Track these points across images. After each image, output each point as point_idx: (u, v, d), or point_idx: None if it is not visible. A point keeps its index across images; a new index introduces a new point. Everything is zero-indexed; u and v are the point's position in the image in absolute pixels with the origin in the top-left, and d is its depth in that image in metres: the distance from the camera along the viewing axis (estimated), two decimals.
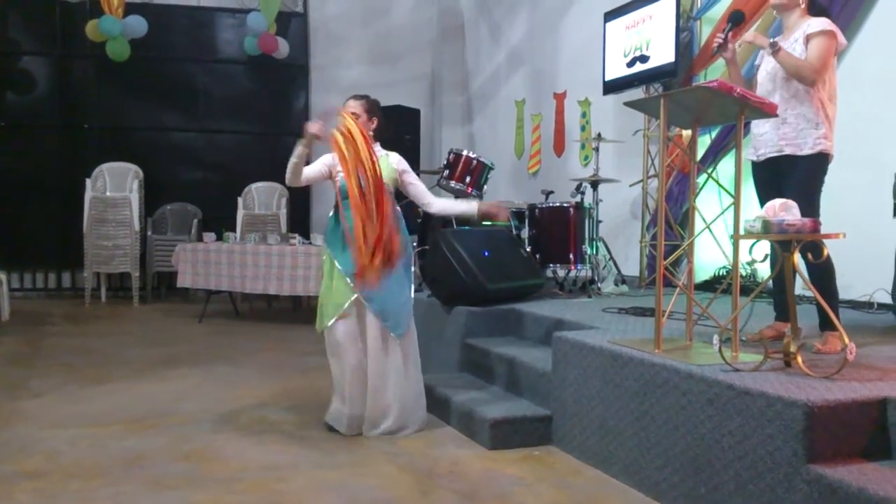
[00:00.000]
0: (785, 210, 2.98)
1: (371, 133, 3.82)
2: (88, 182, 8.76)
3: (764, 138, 3.62)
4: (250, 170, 9.47)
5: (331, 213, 3.93)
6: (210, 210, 9.44)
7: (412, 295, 3.91)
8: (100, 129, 9.45)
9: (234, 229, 8.71)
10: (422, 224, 6.02)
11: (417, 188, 3.99)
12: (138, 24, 8.84)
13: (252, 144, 9.92)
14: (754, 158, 3.69)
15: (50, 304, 8.68)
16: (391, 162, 3.90)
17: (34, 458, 3.44)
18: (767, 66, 3.65)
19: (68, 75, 9.49)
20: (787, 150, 3.53)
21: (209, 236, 7.79)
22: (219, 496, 3.02)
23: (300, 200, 9.62)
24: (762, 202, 3.55)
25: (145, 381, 4.98)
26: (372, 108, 3.89)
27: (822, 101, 3.48)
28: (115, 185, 8.89)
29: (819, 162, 3.50)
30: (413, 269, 3.92)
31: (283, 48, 9.53)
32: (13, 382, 4.87)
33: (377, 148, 3.86)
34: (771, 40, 3.52)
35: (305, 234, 8.02)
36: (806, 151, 3.48)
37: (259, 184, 9.38)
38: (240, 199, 9.32)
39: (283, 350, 6.08)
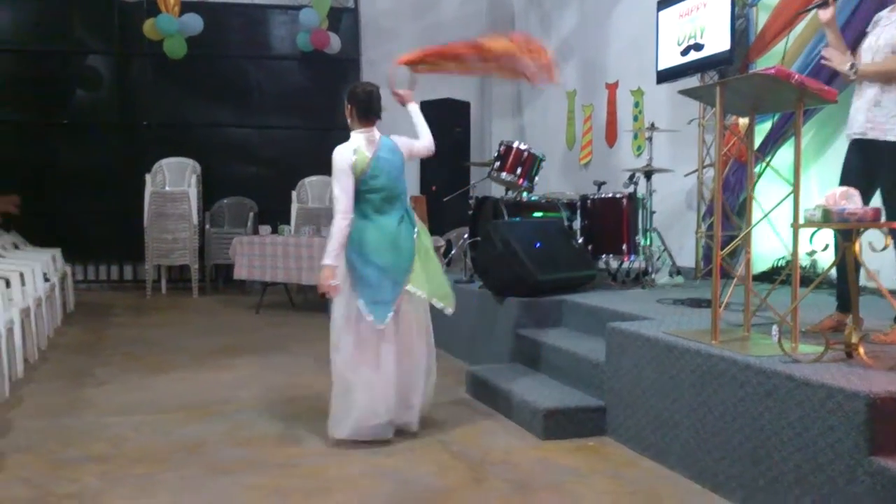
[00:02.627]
0: (846, 198, 2.91)
1: (349, 120, 3.74)
2: (148, 177, 8.98)
3: (856, 117, 3.44)
4: (303, 164, 9.59)
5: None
6: (265, 203, 9.60)
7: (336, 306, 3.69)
8: (158, 126, 9.67)
9: (288, 222, 8.84)
10: (473, 215, 6.03)
11: (418, 142, 3.86)
12: (194, 22, 9.02)
13: (305, 139, 10.04)
14: (852, 136, 3.50)
15: (113, 296, 8.94)
16: (398, 145, 3.76)
17: (100, 443, 3.57)
18: (871, 40, 3.43)
19: (127, 74, 9.73)
20: (871, 135, 3.37)
21: (265, 229, 7.93)
22: (277, 481, 3.09)
23: None
24: (843, 182, 3.39)
25: (205, 370, 5.11)
26: (347, 95, 3.76)
27: None
28: (174, 180, 9.11)
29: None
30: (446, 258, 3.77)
31: (334, 43, 9.62)
32: (78, 370, 5.04)
33: (374, 134, 3.70)
34: (850, 63, 3.32)
35: None
36: (890, 138, 3.30)
37: (312, 178, 9.49)
38: (293, 193, 9.44)
39: None
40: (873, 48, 3.42)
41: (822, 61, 3.52)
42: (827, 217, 2.87)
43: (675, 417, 3.18)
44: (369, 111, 3.73)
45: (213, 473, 3.18)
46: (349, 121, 3.77)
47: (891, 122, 3.31)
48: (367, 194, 3.64)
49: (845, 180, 3.40)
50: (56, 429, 3.76)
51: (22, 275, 5.34)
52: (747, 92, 3.28)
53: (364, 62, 10.11)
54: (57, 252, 7.47)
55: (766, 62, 5.67)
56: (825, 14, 3.44)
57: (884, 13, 3.47)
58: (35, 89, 9.37)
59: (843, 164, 3.55)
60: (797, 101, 3.14)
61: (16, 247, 7.40)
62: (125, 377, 4.88)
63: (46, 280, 6.18)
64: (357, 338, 3.59)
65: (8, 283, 4.99)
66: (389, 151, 3.72)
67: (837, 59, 3.41)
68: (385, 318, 3.56)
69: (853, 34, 4.23)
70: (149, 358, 5.47)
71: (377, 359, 3.58)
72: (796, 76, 3.03)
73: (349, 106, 3.76)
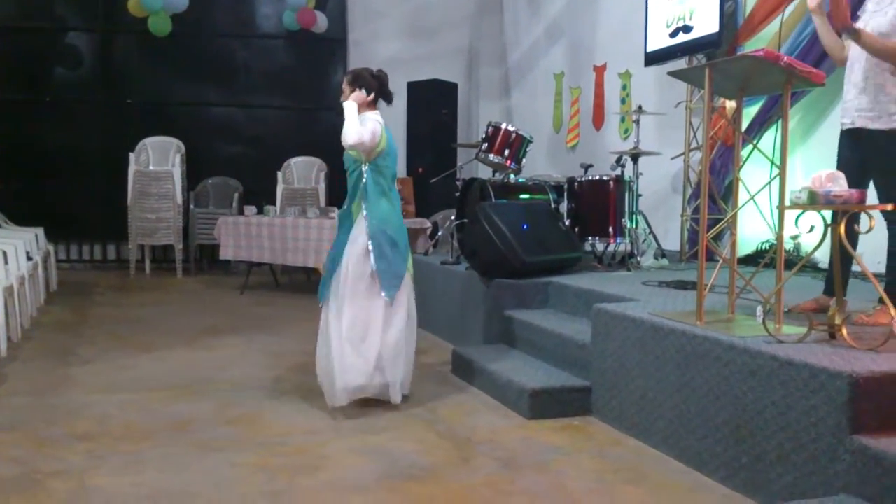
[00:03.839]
0: (832, 181, 2.93)
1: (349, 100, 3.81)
2: (132, 156, 8.90)
3: (846, 106, 3.44)
4: (289, 144, 9.55)
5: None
6: (250, 184, 9.54)
7: (336, 268, 3.79)
8: (142, 104, 9.58)
9: (273, 203, 8.80)
10: (460, 197, 6.02)
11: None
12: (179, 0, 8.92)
13: (291, 119, 9.99)
14: (843, 127, 3.48)
15: (96, 276, 8.87)
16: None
17: (85, 421, 3.55)
18: (858, 26, 3.34)
19: (111, 51, 9.62)
20: (859, 123, 3.36)
21: (250, 210, 7.88)
22: (263, 458, 3.10)
23: (339, 174, 9.67)
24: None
25: (190, 350, 5.10)
26: (354, 79, 3.86)
27: None
28: (158, 159, 9.03)
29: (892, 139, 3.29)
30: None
31: (321, 22, 9.54)
32: (63, 349, 5.01)
33: (371, 114, 3.80)
34: (852, 25, 3.25)
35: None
36: (878, 126, 3.29)
37: (298, 158, 9.44)
38: (279, 174, 9.39)
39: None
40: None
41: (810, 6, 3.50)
42: (813, 199, 2.89)
43: (660, 397, 3.21)
44: (385, 95, 3.92)
45: (200, 451, 3.18)
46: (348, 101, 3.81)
47: (877, 108, 3.31)
48: (384, 170, 3.81)
49: (842, 167, 3.39)
50: (41, 407, 3.74)
51: (5, 253, 5.29)
52: (736, 74, 3.29)
53: (351, 42, 10.04)
54: (40, 231, 7.40)
55: (755, 45, 5.69)
56: (812, 1, 3.45)
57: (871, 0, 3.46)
58: (18, 66, 9.25)
59: (838, 152, 3.54)
60: (785, 83, 3.15)
61: None
62: (110, 356, 4.86)
63: (29, 259, 6.13)
64: (365, 306, 3.72)
65: None
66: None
67: (829, 40, 3.48)
68: (394, 294, 3.74)
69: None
70: (133, 337, 5.45)
71: (378, 330, 3.72)
72: (785, 58, 3.04)
73: (359, 89, 3.83)
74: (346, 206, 3.88)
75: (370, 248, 3.74)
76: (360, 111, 3.83)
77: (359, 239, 3.76)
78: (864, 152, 3.38)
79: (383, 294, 3.72)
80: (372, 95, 3.85)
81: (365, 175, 3.78)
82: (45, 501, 2.67)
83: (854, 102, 3.40)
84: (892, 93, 3.29)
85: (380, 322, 3.73)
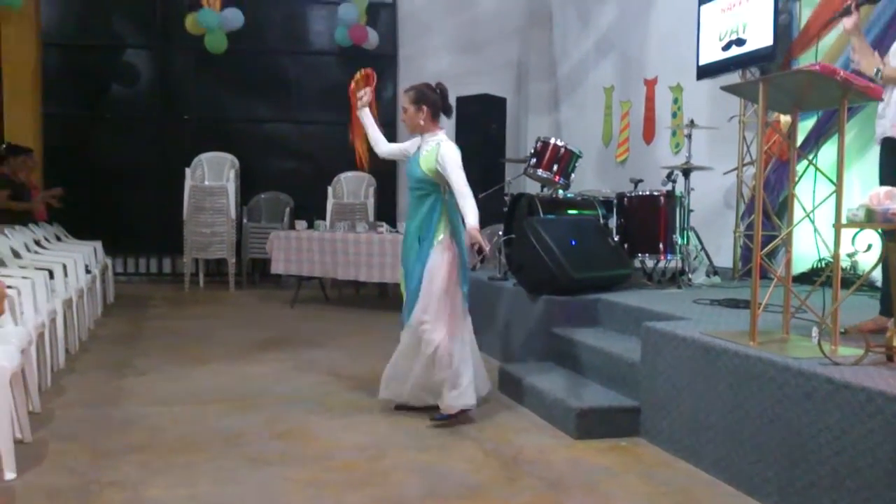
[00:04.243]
0: (890, 198, 2.85)
1: (421, 122, 3.89)
2: (188, 171, 9.11)
3: (882, 121, 3.54)
4: (339, 160, 9.61)
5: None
6: (301, 199, 9.68)
7: (438, 286, 3.81)
8: (198, 120, 9.80)
9: (324, 218, 8.91)
10: (508, 212, 6.02)
11: (453, 179, 3.77)
12: (235, 17, 9.10)
13: (341, 135, 9.98)
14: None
15: (151, 289, 9.09)
16: (439, 151, 3.81)
17: (140, 432, 3.64)
18: None
19: (168, 68, 9.87)
20: (891, 133, 3.45)
21: (301, 224, 8.00)
22: (313, 474, 3.13)
23: (387, 189, 9.77)
24: (882, 184, 3.40)
25: (242, 363, 5.18)
26: (418, 97, 3.88)
27: None
28: (213, 175, 9.23)
29: None
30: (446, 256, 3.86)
31: (372, 38, 9.66)
32: (118, 361, 5.14)
33: (430, 136, 3.89)
34: (876, 68, 3.39)
35: (392, 223, 8.13)
36: None
37: (348, 173, 9.55)
38: (329, 189, 9.51)
39: (370, 335, 6.20)
40: None
41: (851, 65, 3.59)
42: (870, 217, 2.82)
43: (711, 419, 3.15)
44: (446, 109, 3.98)
45: (251, 465, 3.22)
46: (419, 122, 3.90)
47: None
48: (452, 195, 3.85)
49: (882, 182, 3.39)
50: (97, 418, 3.84)
51: (65, 266, 5.46)
52: (790, 88, 3.23)
53: (401, 58, 10.14)
54: (98, 244, 7.62)
55: (809, 58, 5.58)
56: (849, 22, 3.49)
57: None
58: (78, 83, 9.54)
59: (879, 166, 3.56)
60: (841, 98, 3.08)
61: (58, 238, 7.56)
62: (164, 368, 4.97)
63: (88, 272, 6.31)
64: (454, 314, 3.85)
65: (52, 275, 5.10)
66: None
67: (865, 63, 3.46)
68: (467, 301, 3.95)
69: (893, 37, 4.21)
70: (187, 350, 5.56)
71: (463, 335, 3.91)
72: (841, 73, 2.98)
73: (423, 107, 3.88)
74: (423, 230, 3.87)
75: (458, 265, 3.87)
76: (423, 130, 3.90)
77: (445, 257, 3.83)
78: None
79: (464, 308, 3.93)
80: (431, 111, 3.90)
81: (446, 197, 3.85)
82: None
83: (885, 116, 3.50)
84: None
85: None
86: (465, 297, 3.93)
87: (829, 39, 5.41)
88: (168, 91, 9.80)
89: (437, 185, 3.85)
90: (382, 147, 4.18)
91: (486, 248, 3.81)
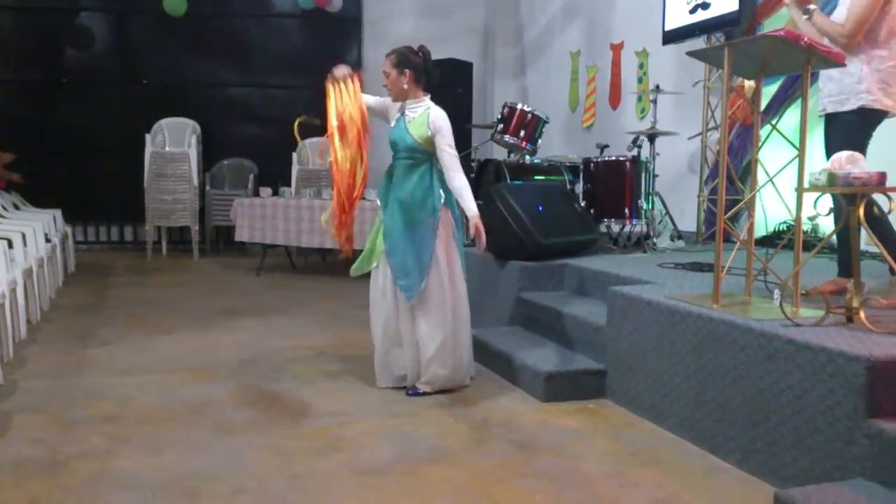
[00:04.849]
0: (851, 163, 2.90)
1: (405, 86, 3.72)
2: (148, 137, 8.94)
3: (820, 94, 3.63)
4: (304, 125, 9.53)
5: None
6: (265, 165, 9.56)
7: (431, 256, 3.71)
8: (158, 85, 9.59)
9: (289, 184, 8.81)
10: (475, 178, 6.01)
11: (444, 157, 3.68)
12: None
13: (306, 100, 9.95)
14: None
15: (113, 257, 8.95)
16: (429, 119, 3.69)
17: (106, 403, 3.60)
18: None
19: (126, 31, 9.63)
20: (830, 108, 3.55)
21: (265, 191, 7.91)
22: (282, 441, 3.13)
23: None
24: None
25: (208, 332, 5.14)
26: (401, 60, 3.70)
27: (871, 55, 3.43)
28: (174, 141, 9.06)
29: (860, 118, 3.45)
30: (438, 228, 3.72)
31: (336, 1, 9.49)
32: (82, 331, 5.07)
33: (415, 103, 3.74)
34: (806, 6, 3.50)
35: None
36: (847, 108, 3.47)
37: (313, 139, 9.44)
38: (294, 155, 9.40)
39: (338, 302, 6.19)
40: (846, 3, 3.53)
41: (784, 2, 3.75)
42: (832, 181, 2.86)
43: (675, 380, 3.21)
44: (429, 73, 3.81)
45: (219, 434, 3.21)
46: (402, 86, 3.73)
47: (844, 91, 3.47)
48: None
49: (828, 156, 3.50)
50: (61, 389, 3.80)
51: (24, 235, 5.34)
52: (755, 54, 3.25)
53: (365, 21, 10.00)
54: (57, 212, 7.46)
55: (774, 23, 5.61)
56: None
57: None
58: (32, 46, 9.28)
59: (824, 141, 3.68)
60: (805, 63, 3.11)
61: (16, 207, 7.39)
62: (128, 338, 4.92)
63: (47, 241, 6.19)
64: (460, 290, 3.85)
65: (10, 244, 4.99)
66: None
67: (794, 4, 3.61)
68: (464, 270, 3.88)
69: None
70: (151, 319, 5.50)
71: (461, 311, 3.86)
72: (805, 38, 3.00)
73: (406, 71, 3.70)
74: (419, 199, 3.71)
75: (455, 238, 3.81)
76: (407, 95, 3.74)
77: (442, 226, 3.74)
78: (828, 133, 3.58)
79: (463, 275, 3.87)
80: (414, 74, 3.72)
81: (438, 166, 3.73)
82: (68, 482, 2.72)
83: (825, 90, 3.59)
84: (856, 74, 3.44)
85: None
86: (463, 267, 3.86)
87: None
88: (126, 55, 9.57)
89: (428, 154, 3.71)
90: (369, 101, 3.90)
91: (483, 241, 3.71)
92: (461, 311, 3.83)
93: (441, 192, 3.74)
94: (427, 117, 3.70)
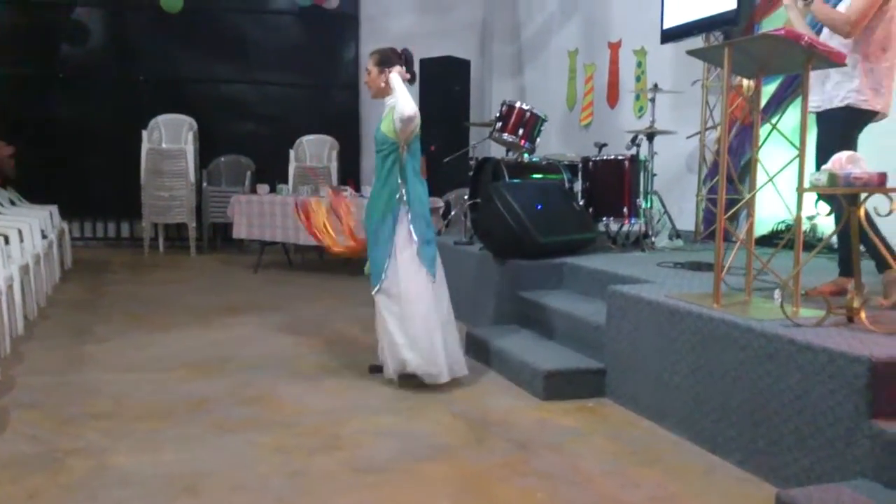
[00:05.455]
0: (852, 163, 2.90)
1: (383, 85, 3.85)
2: (145, 134, 8.90)
3: (812, 91, 3.58)
4: (301, 122, 9.52)
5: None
6: (262, 162, 9.52)
7: (389, 252, 3.79)
8: (155, 81, 9.56)
9: (286, 181, 8.79)
10: (473, 177, 6.00)
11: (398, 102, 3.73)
12: None
13: (303, 97, 9.94)
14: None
15: (110, 253, 8.92)
16: (396, 109, 3.74)
17: (103, 400, 3.58)
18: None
19: (123, 27, 9.59)
20: (825, 107, 3.56)
21: (262, 188, 7.88)
22: (280, 439, 3.12)
23: (350, 152, 9.66)
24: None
25: (206, 329, 5.12)
26: (382, 59, 3.86)
27: (866, 54, 3.43)
28: (171, 137, 9.03)
29: (845, 115, 3.46)
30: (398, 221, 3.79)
31: None
32: (79, 328, 5.05)
33: (389, 100, 3.85)
34: None
35: (356, 187, 8.07)
36: (835, 105, 3.48)
37: (310, 136, 9.42)
38: (291, 152, 9.38)
39: (336, 300, 6.18)
40: None
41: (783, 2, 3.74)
42: (833, 181, 2.86)
43: (675, 380, 3.21)
44: (410, 75, 3.92)
45: (217, 431, 3.20)
46: (380, 84, 3.85)
47: (836, 89, 3.49)
48: (415, 152, 3.86)
49: (818, 155, 3.52)
50: (58, 386, 3.78)
51: (20, 231, 5.32)
52: (755, 53, 3.24)
53: (363, 18, 9.97)
54: (54, 209, 7.43)
55: (772, 23, 5.61)
56: None
57: None
58: (30, 42, 9.23)
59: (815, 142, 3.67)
60: (805, 63, 3.10)
61: (13, 203, 7.36)
62: (126, 335, 4.90)
63: (44, 237, 6.16)
64: (429, 287, 3.82)
65: (7, 240, 4.97)
66: None
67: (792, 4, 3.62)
68: (436, 273, 3.84)
69: None
70: (149, 316, 5.48)
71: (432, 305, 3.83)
72: (806, 37, 3.00)
73: (386, 71, 3.83)
74: (382, 191, 3.81)
75: (413, 232, 3.77)
76: (384, 93, 3.88)
77: (403, 224, 3.78)
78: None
79: (428, 273, 3.79)
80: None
81: (404, 157, 3.79)
82: (65, 479, 2.70)
83: (820, 89, 3.59)
84: (848, 73, 3.44)
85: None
86: (433, 264, 3.83)
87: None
88: (123, 51, 9.54)
89: (395, 145, 3.80)
90: None
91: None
92: (419, 303, 3.78)
93: (401, 185, 3.79)
94: (395, 108, 3.78)
